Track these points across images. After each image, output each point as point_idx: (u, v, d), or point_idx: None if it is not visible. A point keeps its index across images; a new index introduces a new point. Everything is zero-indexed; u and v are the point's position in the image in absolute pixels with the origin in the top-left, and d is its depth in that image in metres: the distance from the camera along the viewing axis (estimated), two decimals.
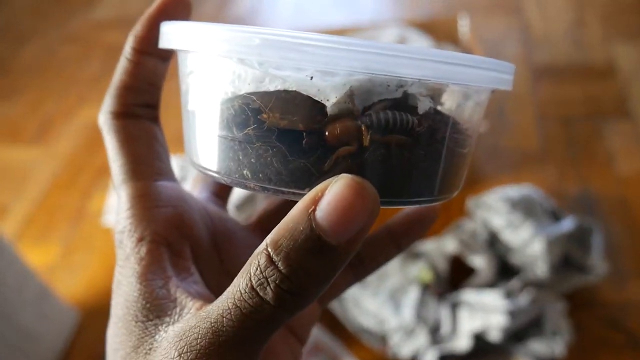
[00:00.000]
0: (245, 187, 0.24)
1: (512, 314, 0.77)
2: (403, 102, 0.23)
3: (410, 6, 1.66)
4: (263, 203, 0.35)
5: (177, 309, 0.23)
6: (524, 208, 0.88)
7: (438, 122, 0.24)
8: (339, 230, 0.19)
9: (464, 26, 1.13)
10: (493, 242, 0.89)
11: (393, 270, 0.88)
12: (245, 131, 0.23)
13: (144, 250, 0.24)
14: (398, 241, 0.30)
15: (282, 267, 0.19)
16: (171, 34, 0.25)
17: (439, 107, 0.24)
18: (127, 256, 0.24)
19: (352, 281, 0.30)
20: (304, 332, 0.29)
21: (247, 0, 1.84)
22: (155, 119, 0.28)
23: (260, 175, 0.23)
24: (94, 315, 0.96)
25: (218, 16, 1.74)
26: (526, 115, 1.20)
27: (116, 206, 0.26)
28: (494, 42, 1.40)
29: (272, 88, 0.23)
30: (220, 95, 0.24)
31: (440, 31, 1.18)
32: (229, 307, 0.20)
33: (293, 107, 0.22)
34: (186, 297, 0.23)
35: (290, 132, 0.22)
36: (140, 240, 0.24)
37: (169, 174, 0.27)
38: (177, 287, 0.24)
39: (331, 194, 0.19)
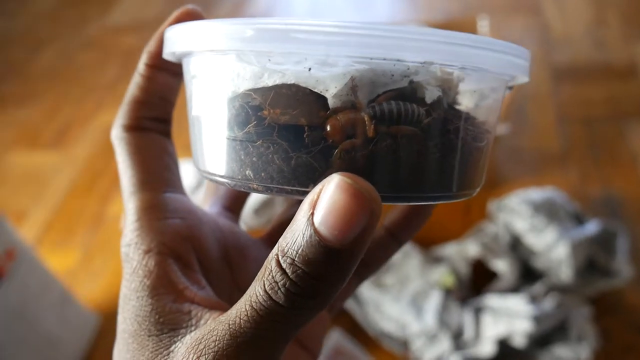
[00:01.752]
0: (249, 188, 0.23)
1: (537, 319, 0.75)
2: (409, 92, 0.22)
3: (427, 7, 1.65)
4: (281, 207, 0.35)
5: (193, 321, 0.23)
6: (547, 211, 0.87)
7: (449, 113, 0.22)
8: (338, 234, 0.18)
9: (483, 27, 1.12)
10: (516, 246, 0.88)
11: (414, 275, 0.87)
12: (246, 129, 0.23)
13: (152, 262, 0.24)
14: (397, 237, 0.29)
15: (289, 273, 0.19)
16: (170, 38, 0.25)
17: (450, 99, 0.23)
18: (134, 269, 0.24)
19: (357, 283, 0.30)
20: (315, 344, 0.28)
21: (262, 2, 1.84)
22: (166, 133, 0.28)
23: (263, 174, 0.22)
24: (115, 320, 0.96)
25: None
26: (547, 117, 1.18)
27: (124, 219, 0.26)
28: (513, 42, 1.38)
29: (270, 83, 0.22)
30: (221, 95, 0.24)
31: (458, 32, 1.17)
32: (245, 310, 0.20)
33: (293, 101, 0.22)
34: (202, 309, 0.23)
35: (291, 128, 0.22)
36: (147, 252, 0.24)
37: (178, 187, 0.27)
38: (190, 300, 0.23)
39: (324, 197, 0.19)
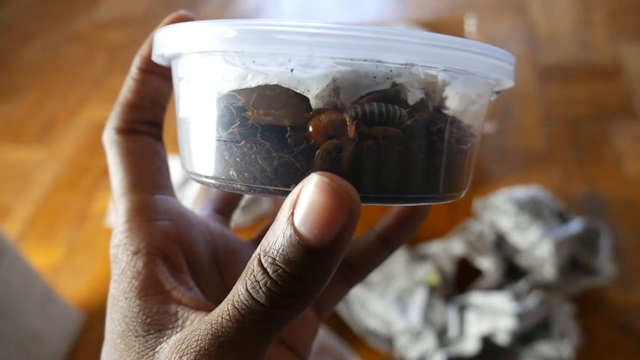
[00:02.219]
0: (233, 188, 0.23)
1: (521, 316, 0.76)
2: (392, 94, 0.22)
3: (415, 5, 1.65)
4: (268, 205, 0.35)
5: (179, 322, 0.23)
6: (532, 210, 0.87)
7: (432, 115, 0.23)
8: (317, 234, 0.19)
9: (470, 26, 1.13)
10: (500, 244, 0.89)
11: (400, 273, 0.87)
12: (230, 130, 0.23)
13: (140, 263, 0.24)
14: (388, 243, 0.29)
15: (270, 272, 0.19)
16: (158, 40, 0.25)
17: (436, 102, 0.23)
18: (122, 271, 0.24)
19: (347, 289, 0.30)
20: (303, 348, 0.28)
21: (251, 1, 1.83)
22: (158, 136, 0.28)
23: (246, 174, 0.23)
24: (98, 317, 0.96)
25: (221, 16, 1.73)
26: (532, 116, 1.19)
27: (114, 220, 0.26)
28: (500, 42, 1.39)
29: (254, 84, 0.22)
30: (206, 97, 0.24)
31: (446, 31, 1.17)
32: (228, 309, 0.20)
33: (275, 102, 0.22)
34: (189, 310, 0.23)
35: (274, 128, 0.22)
36: (136, 253, 0.24)
37: (168, 190, 0.27)
38: (177, 301, 0.23)
39: (303, 197, 0.19)
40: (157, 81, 0.28)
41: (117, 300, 0.24)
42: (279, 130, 0.22)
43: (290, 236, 0.19)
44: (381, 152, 0.21)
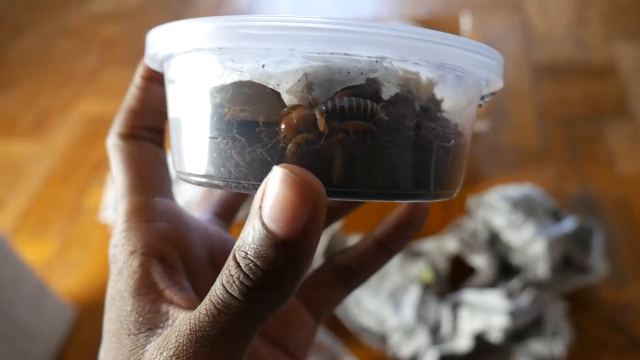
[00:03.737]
0: (210, 185, 0.24)
1: (513, 314, 0.76)
2: (367, 89, 0.22)
3: (411, 3, 1.65)
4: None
5: (170, 321, 0.23)
6: (525, 208, 0.88)
7: (407, 109, 0.22)
8: (283, 227, 0.19)
9: (465, 24, 1.13)
10: (494, 242, 0.89)
11: (393, 270, 0.87)
12: (209, 127, 0.23)
13: (136, 263, 0.24)
14: (387, 248, 0.30)
15: (243, 266, 0.20)
16: (148, 42, 0.26)
17: (422, 101, 0.23)
18: (119, 270, 0.25)
19: (346, 293, 0.30)
20: (300, 351, 0.29)
21: None
22: (159, 142, 0.29)
23: (222, 169, 0.23)
24: (91, 312, 0.95)
25: (215, 13, 1.73)
26: (527, 114, 1.19)
27: (114, 221, 0.27)
28: (495, 40, 1.39)
29: (229, 81, 0.23)
30: (187, 96, 0.24)
31: (441, 28, 1.17)
32: (205, 305, 0.21)
33: (248, 97, 0.22)
34: (179, 310, 0.23)
35: (249, 124, 0.22)
36: (132, 252, 0.25)
37: (168, 193, 0.28)
38: (169, 300, 0.24)
39: (268, 190, 0.19)
40: (159, 89, 0.29)
41: (113, 299, 0.24)
42: (254, 126, 0.22)
43: (259, 230, 0.19)
44: (351, 146, 0.21)
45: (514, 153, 1.12)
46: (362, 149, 0.22)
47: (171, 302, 0.24)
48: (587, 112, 1.19)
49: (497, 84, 0.27)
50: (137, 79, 0.28)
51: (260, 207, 0.19)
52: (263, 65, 0.22)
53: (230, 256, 0.20)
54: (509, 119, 1.19)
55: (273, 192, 0.19)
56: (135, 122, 0.28)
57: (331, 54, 0.21)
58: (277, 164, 0.21)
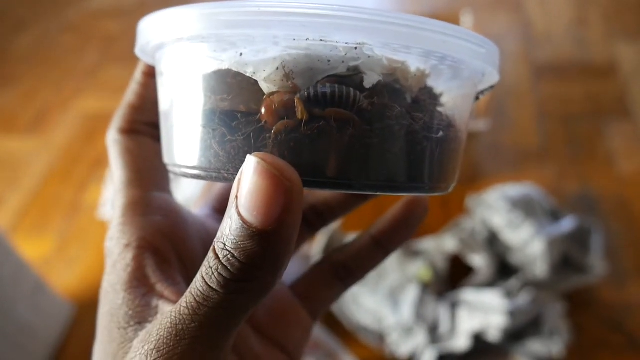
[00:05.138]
0: (193, 175, 0.24)
1: (512, 314, 0.76)
2: (350, 78, 0.21)
3: (412, 1, 1.65)
4: None
5: (158, 316, 0.23)
6: (524, 207, 0.88)
7: (393, 99, 0.22)
8: (259, 217, 0.19)
9: (466, 22, 1.12)
10: (493, 241, 0.89)
11: (392, 268, 0.87)
12: (193, 117, 0.23)
13: (129, 256, 0.24)
14: (384, 245, 0.29)
15: (221, 258, 0.20)
16: (138, 33, 0.26)
17: (413, 92, 0.22)
18: (113, 263, 0.25)
19: (343, 290, 0.30)
20: (295, 349, 0.29)
21: None
22: (158, 138, 0.29)
23: (203, 159, 0.23)
24: (89, 309, 0.95)
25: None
26: (527, 113, 1.19)
27: (111, 214, 0.27)
28: (496, 39, 1.39)
29: (210, 70, 0.22)
30: (174, 87, 0.24)
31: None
32: (186, 298, 0.21)
33: (228, 86, 0.22)
34: (169, 304, 0.23)
35: (229, 113, 0.22)
36: (127, 246, 0.25)
37: (165, 188, 0.28)
38: (160, 294, 0.24)
39: (243, 180, 0.19)
40: None
41: (106, 292, 0.25)
42: (235, 115, 0.22)
43: (236, 221, 0.19)
44: (332, 134, 0.21)
45: (514, 152, 1.12)
46: (341, 138, 0.21)
47: (162, 296, 0.24)
48: (587, 111, 1.18)
49: (493, 77, 0.26)
50: (138, 74, 0.29)
51: (237, 197, 0.19)
52: (241, 54, 0.21)
53: (211, 249, 0.20)
54: (509, 118, 1.18)
55: (247, 181, 0.19)
56: (135, 118, 0.28)
57: (307, 40, 0.20)
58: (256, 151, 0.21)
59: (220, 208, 0.33)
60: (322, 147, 0.21)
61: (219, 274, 0.20)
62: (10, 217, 1.15)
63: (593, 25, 1.40)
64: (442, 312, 0.81)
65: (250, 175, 0.19)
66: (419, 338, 0.79)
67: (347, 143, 0.21)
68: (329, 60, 0.21)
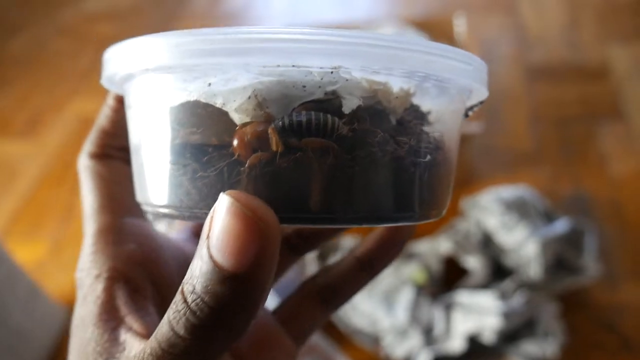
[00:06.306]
0: (164, 215, 0.22)
1: (506, 315, 0.76)
2: (328, 104, 0.20)
3: (406, 4, 1.65)
4: None
5: (125, 352, 0.22)
6: (518, 209, 0.88)
7: (375, 123, 0.20)
8: (232, 260, 0.17)
9: (460, 25, 1.13)
10: (487, 243, 0.89)
11: (387, 271, 0.87)
12: (162, 153, 0.22)
13: (100, 287, 0.23)
14: (369, 267, 0.28)
15: (190, 302, 0.18)
16: (103, 63, 0.25)
17: (397, 114, 0.21)
18: (84, 295, 0.24)
19: (327, 315, 0.29)
20: None
21: None
22: (130, 162, 0.28)
23: (174, 197, 0.21)
24: None
25: (210, 13, 1.72)
26: (520, 115, 1.20)
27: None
28: (489, 41, 1.40)
29: (177, 102, 0.21)
30: (143, 121, 0.23)
31: (436, 30, 1.18)
32: (150, 343, 0.20)
33: (198, 119, 0.21)
34: (136, 339, 0.22)
35: (200, 147, 0.20)
36: (97, 277, 0.24)
37: (138, 213, 0.27)
38: (128, 329, 0.23)
39: (215, 220, 0.18)
40: None
41: (76, 326, 0.24)
42: (206, 148, 0.20)
43: (207, 262, 0.18)
44: (310, 165, 0.20)
45: (508, 154, 1.12)
46: (323, 169, 0.20)
47: (130, 329, 0.23)
48: (580, 113, 1.19)
49: (482, 94, 0.25)
50: (110, 99, 0.28)
51: (208, 236, 0.18)
52: (209, 84, 0.20)
53: (179, 289, 0.19)
54: (503, 120, 1.19)
55: (219, 222, 0.18)
56: (106, 142, 0.28)
57: (278, 66, 0.19)
58: (231, 188, 0.20)
59: (199, 232, 0.31)
60: (300, 180, 0.20)
61: (187, 319, 0.18)
62: (4, 221, 1.15)
63: (586, 28, 1.41)
64: (436, 314, 0.81)
65: (222, 216, 0.18)
66: (414, 340, 0.79)
67: (327, 174, 0.20)
68: (304, 86, 0.20)
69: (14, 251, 0.97)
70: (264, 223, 0.18)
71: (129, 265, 0.24)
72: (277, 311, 0.29)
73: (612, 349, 0.81)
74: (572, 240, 0.87)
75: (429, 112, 0.22)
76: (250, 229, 0.17)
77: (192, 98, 0.21)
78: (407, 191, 0.21)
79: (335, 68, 0.19)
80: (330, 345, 0.83)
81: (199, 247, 0.18)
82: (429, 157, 0.22)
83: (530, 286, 0.82)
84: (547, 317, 0.79)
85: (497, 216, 0.87)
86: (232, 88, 0.20)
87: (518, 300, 0.79)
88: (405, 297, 0.83)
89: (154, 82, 0.22)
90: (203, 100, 0.20)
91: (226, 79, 0.20)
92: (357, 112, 0.20)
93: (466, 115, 0.26)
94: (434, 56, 0.20)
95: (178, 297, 0.19)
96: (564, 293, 0.85)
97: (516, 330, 0.79)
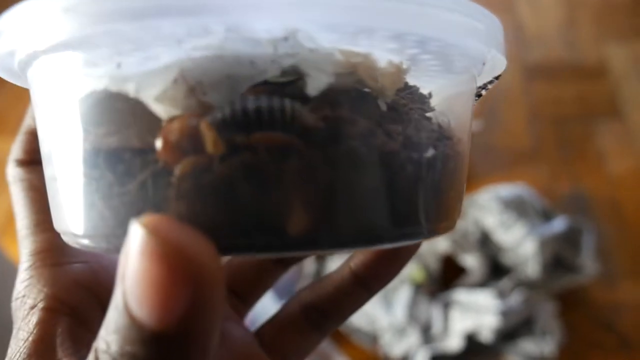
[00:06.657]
0: (82, 246, 0.17)
1: (504, 314, 0.76)
2: (285, 84, 0.15)
3: None
4: None
5: None
6: (516, 208, 0.88)
7: (353, 108, 0.15)
8: (152, 314, 0.12)
9: None
10: (485, 242, 0.89)
11: None
12: (72, 163, 0.16)
13: (33, 321, 0.19)
14: (368, 285, 0.23)
15: None
16: None
17: (386, 96, 0.16)
18: (17, 330, 0.20)
19: (318, 339, 0.24)
20: None
21: None
22: None
23: (88, 223, 0.16)
24: None
25: None
26: (518, 114, 1.20)
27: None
28: None
29: (84, 93, 0.15)
30: (48, 122, 0.17)
31: None
32: None
33: (116, 114, 0.15)
34: None
35: (117, 153, 0.15)
36: (32, 308, 0.20)
37: None
38: None
39: (129, 260, 0.13)
40: None
41: None
42: (123, 155, 0.15)
43: (122, 313, 0.13)
44: (267, 170, 0.14)
45: (506, 153, 1.12)
46: (286, 174, 0.14)
47: None
48: (578, 112, 1.19)
49: (499, 64, 0.19)
50: None
51: (123, 277, 0.13)
52: (119, 64, 0.15)
53: (92, 347, 0.14)
54: (501, 119, 1.19)
55: (133, 263, 0.13)
56: (36, 146, 0.22)
57: (207, 32, 0.14)
58: (157, 208, 0.15)
59: None
60: (253, 192, 0.14)
61: None
62: (0, 220, 1.14)
63: (584, 27, 1.41)
64: (434, 313, 0.81)
65: (137, 257, 0.12)
66: (412, 339, 0.79)
67: (291, 182, 0.14)
68: (252, 61, 0.14)
69: (10, 250, 0.96)
70: (197, 265, 0.12)
71: (73, 290, 0.20)
72: (260, 333, 0.25)
73: (610, 347, 0.81)
74: (570, 239, 0.86)
75: (430, 95, 0.18)
76: (176, 274, 0.12)
77: (100, 86, 0.15)
78: (405, 198, 0.16)
79: (289, 32, 0.14)
80: (328, 344, 0.82)
81: (115, 288, 0.13)
82: (432, 150, 0.17)
83: (528, 285, 0.82)
84: (545, 315, 0.79)
85: (495, 215, 0.86)
86: (148, 69, 0.15)
87: (516, 298, 0.78)
88: (404, 296, 0.82)
89: (55, 65, 0.16)
90: (113, 88, 0.15)
91: (144, 56, 0.14)
92: (328, 95, 0.15)
93: (479, 95, 0.21)
94: (429, 7, 0.15)
95: (90, 357, 0.14)
96: (562, 292, 0.85)
97: (514, 329, 0.79)
